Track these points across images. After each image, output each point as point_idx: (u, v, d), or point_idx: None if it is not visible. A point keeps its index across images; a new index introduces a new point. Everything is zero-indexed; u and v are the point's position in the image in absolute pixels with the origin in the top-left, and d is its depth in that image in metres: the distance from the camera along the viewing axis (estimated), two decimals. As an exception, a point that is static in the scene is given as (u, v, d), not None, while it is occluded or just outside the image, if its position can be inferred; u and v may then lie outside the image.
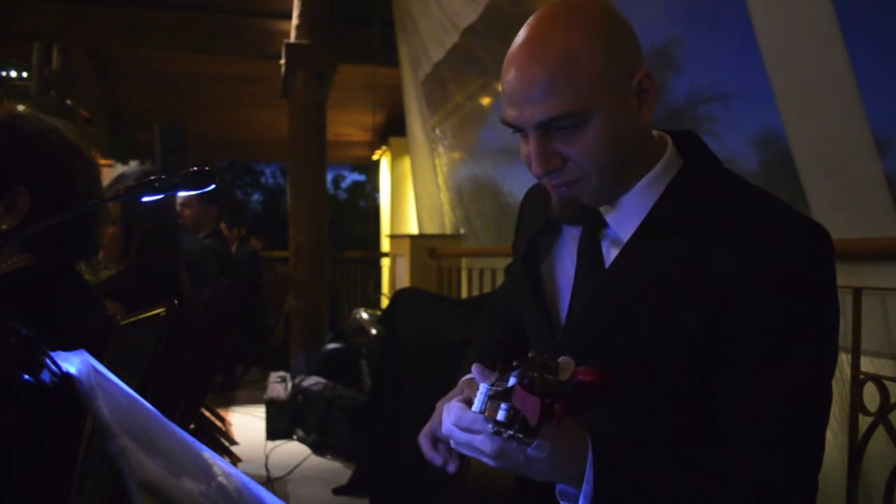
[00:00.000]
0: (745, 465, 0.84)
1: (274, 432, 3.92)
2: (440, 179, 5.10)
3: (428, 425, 1.06)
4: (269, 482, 3.20)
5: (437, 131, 5.03)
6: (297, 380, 4.03)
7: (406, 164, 7.36)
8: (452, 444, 0.86)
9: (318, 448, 3.73)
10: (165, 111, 7.96)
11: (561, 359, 0.77)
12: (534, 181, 1.07)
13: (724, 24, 2.19)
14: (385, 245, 8.05)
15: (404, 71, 5.57)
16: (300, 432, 3.89)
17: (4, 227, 1.20)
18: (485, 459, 0.82)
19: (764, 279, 0.85)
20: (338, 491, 3.08)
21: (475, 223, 4.59)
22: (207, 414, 3.69)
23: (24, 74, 4.17)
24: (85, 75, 6.88)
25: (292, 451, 3.73)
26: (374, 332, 4.18)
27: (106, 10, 5.77)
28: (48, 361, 0.62)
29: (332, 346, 4.40)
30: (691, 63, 2.51)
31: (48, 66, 4.48)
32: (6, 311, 1.15)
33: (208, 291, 2.52)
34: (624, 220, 0.96)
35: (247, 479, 0.61)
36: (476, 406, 0.82)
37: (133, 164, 5.05)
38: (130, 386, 0.65)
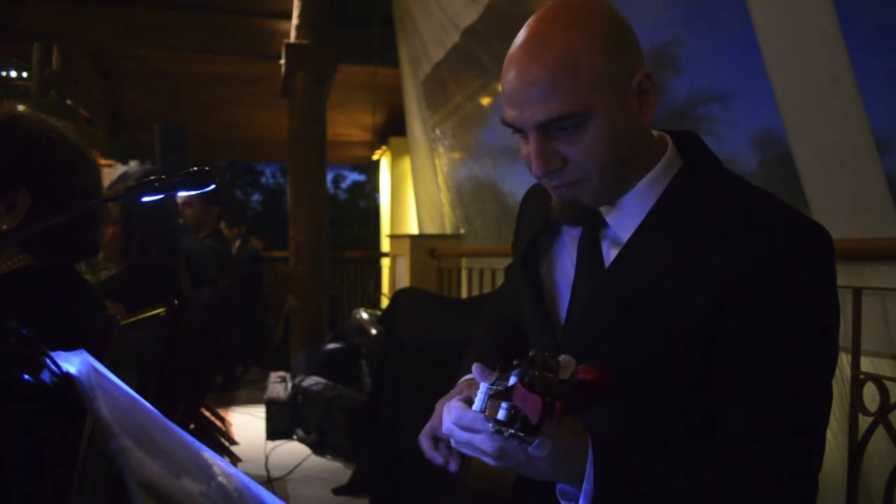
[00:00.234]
0: (745, 464, 0.84)
1: (274, 432, 3.92)
2: (440, 179, 5.10)
3: (428, 425, 1.06)
4: (269, 482, 3.20)
5: (437, 131, 5.03)
6: (297, 380, 4.03)
7: (406, 164, 7.36)
8: (453, 443, 0.86)
9: (318, 448, 3.73)
10: (165, 111, 7.96)
11: (561, 357, 0.77)
12: (534, 181, 1.07)
13: (724, 24, 2.19)
14: (385, 245, 8.05)
15: (404, 71, 5.57)
16: (300, 432, 3.89)
17: (5, 227, 1.20)
18: (485, 459, 0.82)
19: (764, 279, 0.85)
20: (338, 491, 3.08)
21: (475, 223, 4.59)
22: (207, 414, 3.69)
23: (24, 74, 4.17)
24: (85, 75, 6.87)
25: (292, 451, 3.73)
26: (374, 332, 4.18)
27: (106, 10, 5.77)
28: (48, 361, 0.62)
29: (332, 346, 4.40)
30: (691, 63, 2.51)
31: (48, 66, 4.48)
32: (6, 310, 1.15)
33: (208, 291, 2.52)
34: (624, 220, 0.96)
35: (247, 479, 0.61)
36: (476, 405, 0.82)
37: (133, 164, 5.05)
38: (130, 386, 0.65)
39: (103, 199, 1.41)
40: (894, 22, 1.59)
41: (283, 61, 5.16)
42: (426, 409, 1.09)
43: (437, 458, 1.03)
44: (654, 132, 0.99)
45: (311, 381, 3.94)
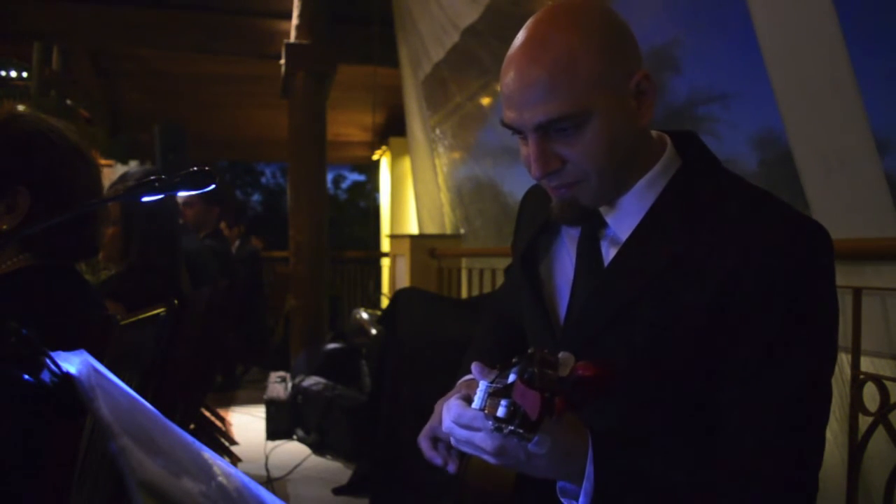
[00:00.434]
0: (745, 463, 0.84)
1: (274, 432, 3.92)
2: (440, 179, 5.10)
3: (427, 426, 1.06)
4: (269, 482, 3.20)
5: (437, 131, 5.03)
6: (297, 380, 4.03)
7: (406, 164, 7.36)
8: (453, 441, 0.86)
9: (318, 448, 3.74)
10: (165, 111, 7.95)
11: (561, 354, 0.77)
12: (534, 181, 1.07)
13: (724, 24, 2.19)
14: (385, 245, 8.05)
15: (404, 71, 5.57)
16: (300, 432, 3.89)
17: (5, 227, 1.20)
18: (485, 457, 0.82)
19: (763, 278, 0.85)
20: (338, 491, 3.09)
21: (475, 223, 4.59)
22: (207, 414, 3.69)
23: (24, 74, 4.17)
24: (85, 75, 6.87)
25: (292, 451, 3.73)
26: (374, 332, 4.18)
27: (106, 10, 5.77)
28: (48, 361, 0.62)
29: (332, 346, 4.40)
30: (691, 63, 2.51)
31: (48, 66, 4.47)
32: (6, 310, 1.15)
33: (208, 291, 2.52)
34: (623, 220, 0.96)
35: (247, 479, 0.61)
36: (476, 403, 0.82)
37: (133, 164, 5.05)
38: (130, 386, 0.65)
39: (103, 199, 1.41)
40: (894, 22, 1.59)
41: (283, 61, 5.15)
42: (426, 409, 1.09)
43: (437, 460, 1.03)
44: (654, 133, 0.99)
45: (311, 381, 3.94)
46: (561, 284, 1.04)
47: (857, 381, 1.48)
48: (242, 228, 6.66)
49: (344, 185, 21.91)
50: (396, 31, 5.57)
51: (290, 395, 3.99)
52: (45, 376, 0.62)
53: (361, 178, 20.44)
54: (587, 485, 0.82)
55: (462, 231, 4.72)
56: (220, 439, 3.55)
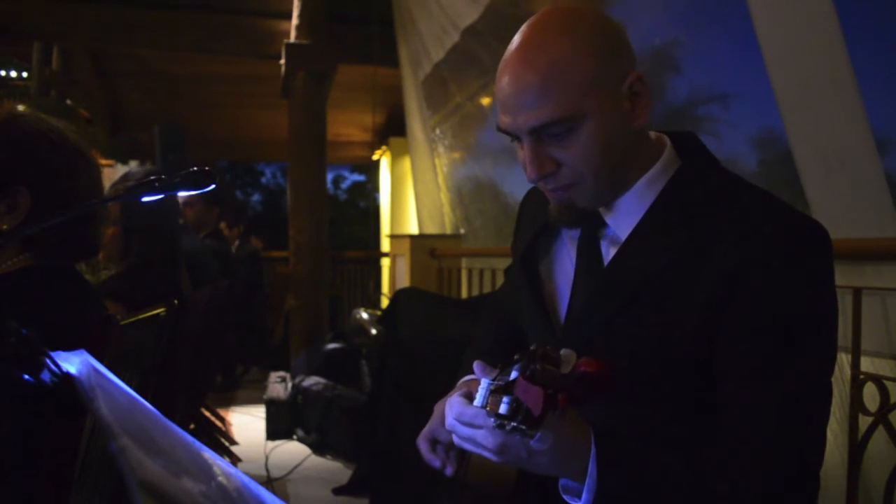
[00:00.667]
0: (745, 462, 0.84)
1: (274, 432, 3.92)
2: (440, 179, 5.10)
3: (427, 427, 1.06)
4: (269, 482, 3.20)
5: (437, 131, 5.04)
6: (297, 380, 4.03)
7: (406, 164, 7.36)
8: (455, 439, 0.86)
9: (318, 448, 3.74)
10: (165, 111, 7.96)
11: (563, 351, 0.77)
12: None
13: (724, 24, 2.19)
14: (385, 245, 8.05)
15: (404, 71, 5.57)
16: (300, 432, 3.89)
17: (5, 227, 1.20)
18: (487, 454, 0.82)
19: (762, 278, 0.85)
20: (338, 491, 3.08)
21: (475, 223, 4.59)
22: (207, 414, 3.69)
23: (24, 74, 4.17)
24: (85, 75, 6.87)
25: (292, 451, 3.73)
26: (374, 332, 4.18)
27: (106, 10, 5.77)
28: (48, 361, 0.62)
29: (332, 346, 4.40)
30: (691, 63, 2.50)
31: (48, 66, 4.48)
32: (6, 311, 1.15)
33: (208, 291, 2.52)
34: (622, 220, 0.96)
35: (247, 479, 0.61)
36: (478, 401, 0.82)
37: (133, 165, 5.06)
38: (130, 386, 0.65)
39: (103, 199, 1.41)
40: (894, 22, 1.59)
41: (283, 61, 5.15)
42: (426, 409, 1.09)
43: (435, 462, 1.03)
44: (653, 133, 1.00)
45: (311, 381, 3.94)
46: (561, 284, 1.04)
47: (857, 381, 1.48)
48: (242, 228, 6.66)
49: (344, 185, 21.95)
50: (396, 31, 5.57)
51: (290, 395, 3.99)
52: (45, 376, 0.62)
53: (361, 178, 20.46)
54: (590, 482, 0.82)
55: (462, 231, 4.72)
56: (220, 439, 3.55)
